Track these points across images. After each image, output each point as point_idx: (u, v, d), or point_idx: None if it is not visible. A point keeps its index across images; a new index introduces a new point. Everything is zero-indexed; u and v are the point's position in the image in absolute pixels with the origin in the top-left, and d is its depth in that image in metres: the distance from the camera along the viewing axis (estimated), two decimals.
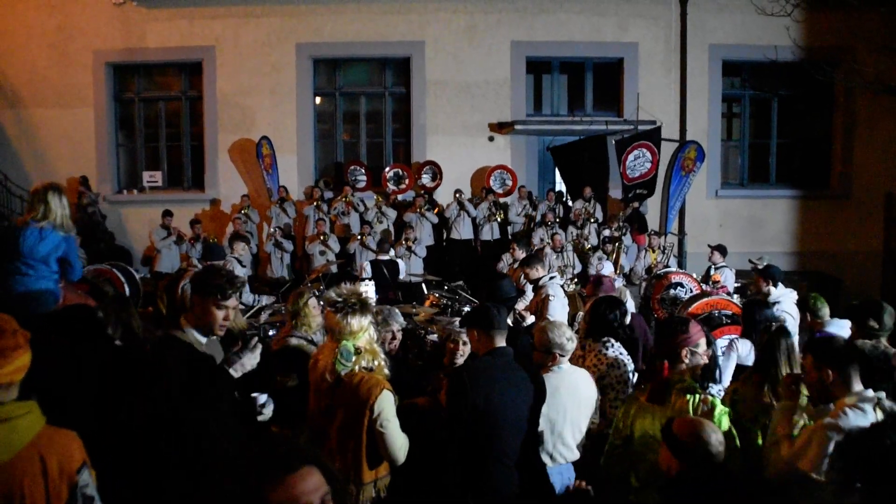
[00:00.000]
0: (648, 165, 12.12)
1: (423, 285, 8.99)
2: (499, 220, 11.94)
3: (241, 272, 8.52)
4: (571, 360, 4.14)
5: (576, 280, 9.59)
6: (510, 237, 11.66)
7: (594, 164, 12.86)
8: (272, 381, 3.38)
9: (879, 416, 2.85)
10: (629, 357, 4.22)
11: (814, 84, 11.74)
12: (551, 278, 5.94)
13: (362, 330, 3.05)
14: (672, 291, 9.24)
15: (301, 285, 8.46)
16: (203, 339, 2.90)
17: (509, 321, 4.47)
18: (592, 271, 10.22)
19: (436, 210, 12.08)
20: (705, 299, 7.87)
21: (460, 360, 3.87)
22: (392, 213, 11.78)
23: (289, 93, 12.70)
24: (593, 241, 11.35)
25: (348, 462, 3.01)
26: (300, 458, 1.43)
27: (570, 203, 12.77)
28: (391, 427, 2.99)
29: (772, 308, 5.11)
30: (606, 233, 11.26)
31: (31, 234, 4.46)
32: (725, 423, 3.02)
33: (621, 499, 3.31)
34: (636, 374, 4.21)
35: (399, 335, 4.08)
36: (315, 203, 11.73)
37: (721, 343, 5.28)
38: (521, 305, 4.99)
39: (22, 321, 2.22)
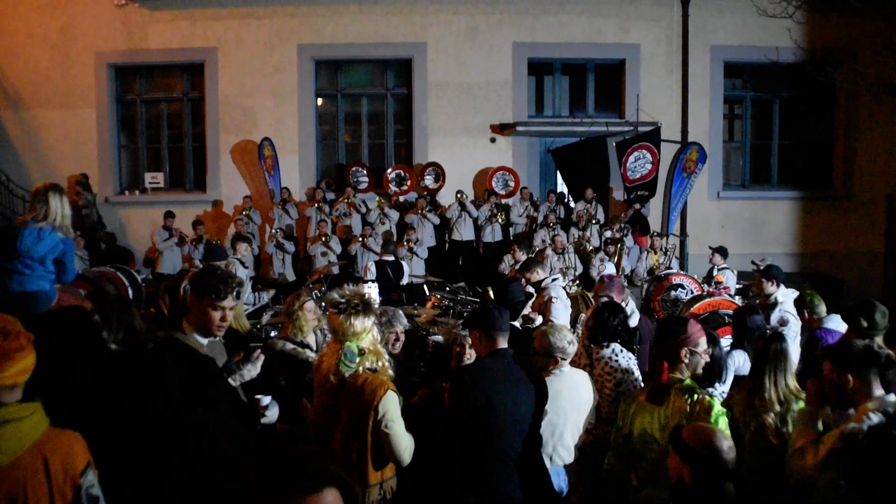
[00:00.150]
0: (649, 167, 12.12)
1: (425, 286, 9.00)
2: (500, 221, 11.94)
3: (244, 273, 8.52)
4: (578, 364, 4.16)
5: (577, 281, 9.59)
6: (512, 238, 11.66)
7: (595, 165, 12.87)
8: (275, 384, 3.38)
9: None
10: (636, 361, 4.25)
11: (815, 85, 11.75)
12: (554, 280, 5.94)
13: (366, 331, 3.05)
14: (673, 293, 9.26)
15: (302, 286, 8.50)
16: (204, 341, 2.89)
17: (518, 324, 4.48)
18: (594, 273, 10.23)
19: (438, 211, 12.08)
20: (707, 300, 7.90)
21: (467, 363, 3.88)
22: (394, 215, 11.79)
23: (290, 94, 12.71)
24: (595, 242, 11.35)
25: (353, 464, 3.00)
26: (325, 479, 1.44)
27: (571, 204, 12.77)
28: (396, 428, 2.97)
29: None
30: (608, 234, 11.26)
31: (30, 233, 4.49)
32: (723, 424, 3.01)
33: (622, 497, 3.31)
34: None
35: (402, 336, 4.09)
36: (317, 204, 11.73)
37: (723, 343, 5.26)
38: (528, 310, 4.99)
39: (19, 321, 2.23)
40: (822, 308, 4.96)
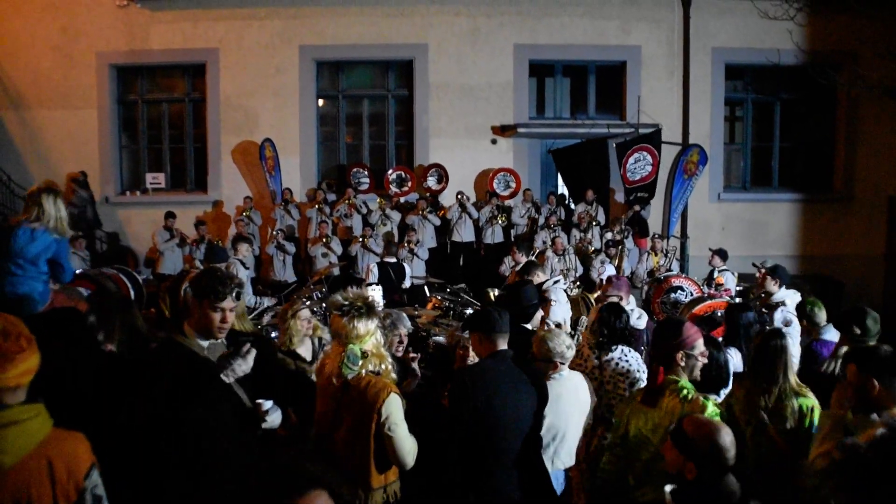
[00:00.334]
0: (649, 169, 12.12)
1: (426, 288, 9.00)
2: (501, 223, 11.94)
3: (245, 274, 8.54)
4: (586, 369, 4.16)
5: (578, 283, 9.58)
6: (512, 240, 11.66)
7: (596, 166, 12.87)
8: (276, 388, 3.37)
9: None
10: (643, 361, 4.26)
11: (816, 88, 11.75)
12: (555, 283, 5.94)
13: (369, 334, 3.04)
14: (672, 295, 9.26)
15: (303, 288, 8.51)
16: (205, 344, 2.89)
17: (531, 326, 4.48)
18: (594, 274, 10.22)
19: (441, 213, 12.08)
20: (707, 302, 7.90)
21: None
22: (396, 216, 11.79)
23: (292, 95, 12.72)
24: (596, 244, 11.35)
25: (356, 467, 2.99)
26: (309, 482, 1.44)
27: (572, 206, 12.77)
28: (399, 431, 2.97)
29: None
30: (609, 236, 11.26)
31: (23, 234, 4.49)
32: None
33: (620, 498, 3.32)
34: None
35: (406, 339, 4.08)
36: (317, 205, 11.74)
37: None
38: (539, 317, 4.98)
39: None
40: (823, 316, 4.94)
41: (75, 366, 2.95)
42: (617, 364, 4.17)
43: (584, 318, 6.23)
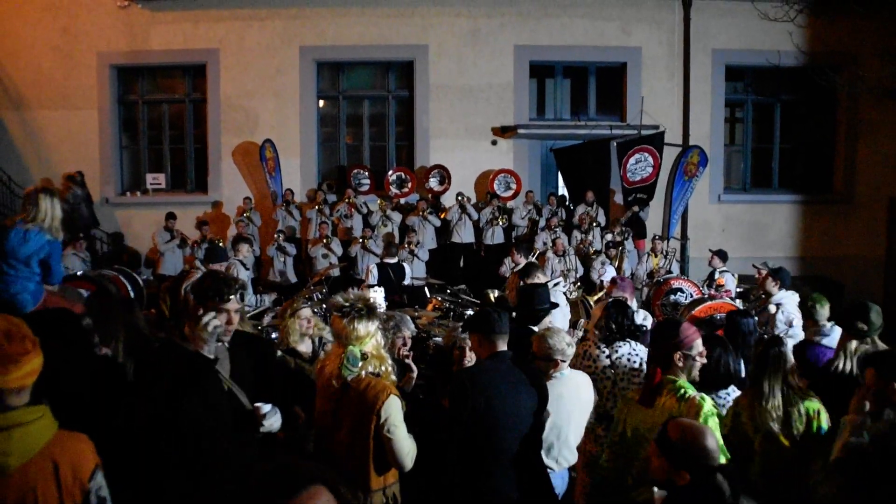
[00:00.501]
0: (650, 170, 12.12)
1: (426, 289, 9.00)
2: (502, 224, 11.94)
3: (245, 275, 8.54)
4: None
5: (578, 284, 9.58)
6: (513, 241, 11.66)
7: (597, 167, 12.87)
8: (276, 391, 3.36)
9: None
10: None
11: (816, 89, 11.77)
12: (555, 285, 5.93)
13: (369, 335, 3.03)
14: (672, 297, 9.26)
15: (304, 289, 8.51)
16: (210, 356, 2.89)
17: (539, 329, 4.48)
18: (594, 276, 10.24)
19: (442, 215, 12.08)
20: (708, 303, 7.89)
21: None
22: (397, 217, 11.79)
23: (292, 96, 12.72)
24: (597, 245, 11.35)
25: (355, 468, 2.98)
26: (309, 478, 1.43)
27: (572, 207, 12.76)
28: (398, 433, 2.96)
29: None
30: (609, 237, 11.26)
31: (16, 234, 4.51)
32: (712, 424, 2.94)
33: (619, 497, 3.32)
34: None
35: (410, 342, 4.08)
36: (317, 206, 11.74)
37: None
38: (548, 320, 4.96)
39: None
40: (824, 314, 4.91)
41: (69, 367, 2.95)
42: (628, 359, 4.17)
43: (582, 322, 6.23)
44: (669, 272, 10.53)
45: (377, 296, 6.62)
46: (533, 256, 9.76)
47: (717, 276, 9.53)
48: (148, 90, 13.21)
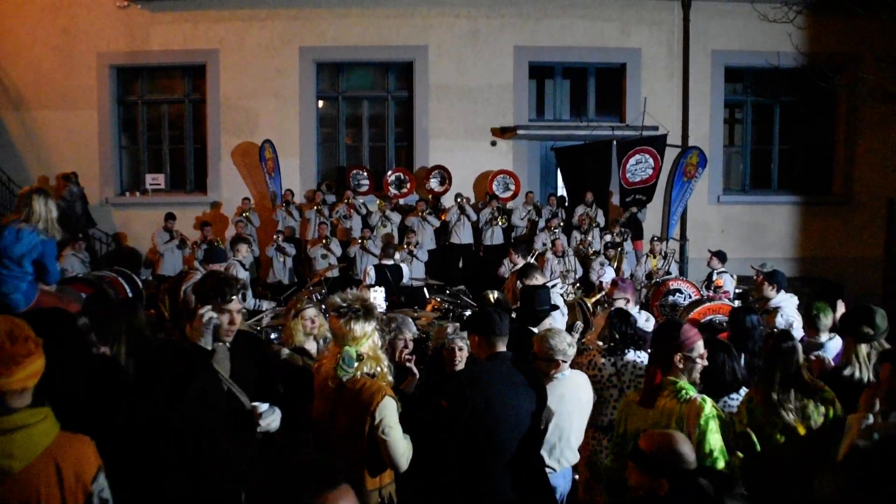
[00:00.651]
0: (650, 172, 12.12)
1: (425, 289, 9.00)
2: (501, 224, 11.95)
3: (244, 275, 8.53)
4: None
5: (578, 285, 9.57)
6: (512, 242, 11.66)
7: (597, 167, 12.87)
8: (275, 391, 3.36)
9: None
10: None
11: (816, 90, 11.78)
12: (553, 286, 5.93)
13: (365, 336, 3.02)
14: (671, 298, 9.25)
15: (304, 289, 8.51)
16: (208, 348, 2.90)
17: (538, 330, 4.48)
18: (594, 276, 10.23)
19: (443, 216, 12.08)
20: (706, 304, 7.89)
21: (460, 366, 3.87)
22: (396, 217, 11.80)
23: (292, 96, 12.73)
24: (596, 246, 11.35)
25: (351, 468, 2.97)
26: (340, 476, 1.46)
27: (568, 205, 12.75)
28: (393, 434, 2.94)
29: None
30: (608, 238, 11.27)
31: (9, 234, 4.51)
32: (713, 426, 2.92)
33: (621, 498, 3.32)
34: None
35: (411, 345, 4.06)
36: (317, 207, 11.74)
37: None
38: (548, 322, 4.95)
39: None
40: (826, 323, 4.85)
41: (64, 367, 2.94)
42: (635, 366, 4.16)
43: (578, 324, 6.22)
44: (668, 273, 10.52)
45: (378, 296, 6.63)
46: (532, 257, 9.75)
47: (715, 277, 9.52)
48: (147, 90, 13.22)
